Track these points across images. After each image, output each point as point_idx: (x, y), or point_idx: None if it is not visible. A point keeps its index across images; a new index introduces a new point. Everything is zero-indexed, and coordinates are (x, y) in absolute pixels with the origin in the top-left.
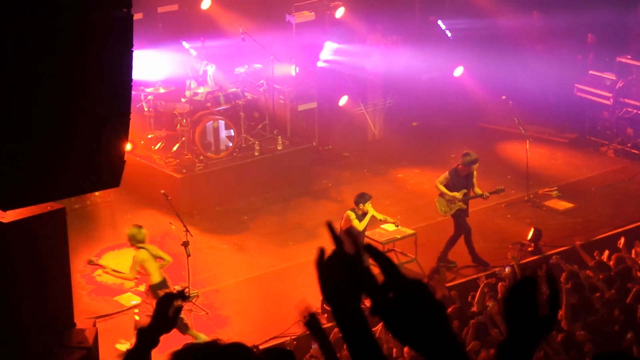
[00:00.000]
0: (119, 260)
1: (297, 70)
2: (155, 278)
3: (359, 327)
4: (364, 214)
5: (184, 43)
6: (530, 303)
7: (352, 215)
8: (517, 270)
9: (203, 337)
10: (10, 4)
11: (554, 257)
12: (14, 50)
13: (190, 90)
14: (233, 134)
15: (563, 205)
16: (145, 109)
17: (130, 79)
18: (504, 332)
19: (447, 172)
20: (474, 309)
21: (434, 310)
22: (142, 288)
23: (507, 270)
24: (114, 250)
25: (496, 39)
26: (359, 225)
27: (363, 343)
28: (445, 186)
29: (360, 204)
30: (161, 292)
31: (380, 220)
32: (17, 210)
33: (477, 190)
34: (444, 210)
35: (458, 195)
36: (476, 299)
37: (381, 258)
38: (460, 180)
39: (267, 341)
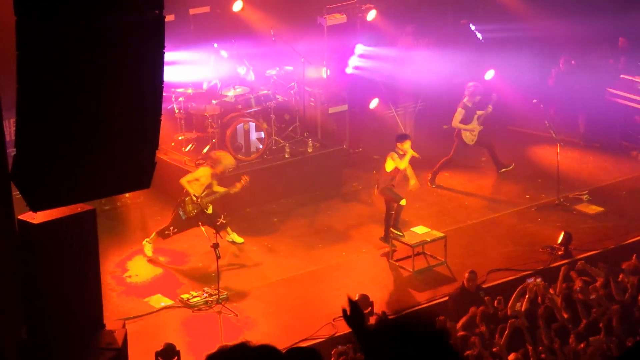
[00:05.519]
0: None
1: (328, 73)
2: None
3: None
4: (404, 153)
5: (215, 45)
6: None
7: (394, 155)
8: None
9: None
10: (44, 7)
11: (579, 262)
12: (48, 54)
13: (208, 86)
14: (263, 136)
15: (594, 209)
16: (176, 111)
17: (162, 80)
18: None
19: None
20: (507, 312)
21: None
22: None
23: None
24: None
25: (527, 42)
26: (401, 164)
27: None
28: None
29: (398, 143)
30: None
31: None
32: (48, 212)
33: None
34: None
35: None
36: (510, 303)
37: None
38: None
39: (295, 344)
